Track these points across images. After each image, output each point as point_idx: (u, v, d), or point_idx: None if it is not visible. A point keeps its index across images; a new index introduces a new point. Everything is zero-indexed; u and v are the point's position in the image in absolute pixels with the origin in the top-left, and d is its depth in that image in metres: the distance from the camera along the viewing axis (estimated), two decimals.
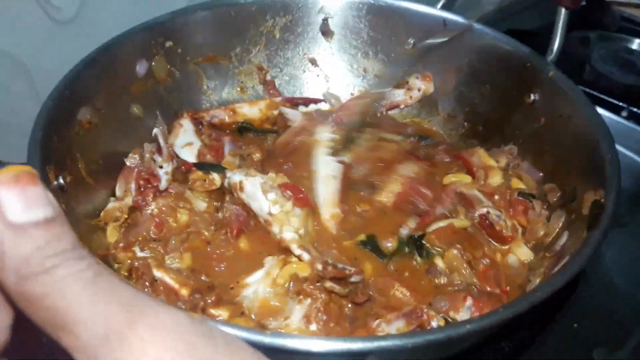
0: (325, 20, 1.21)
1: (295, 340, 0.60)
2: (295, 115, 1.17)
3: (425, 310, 0.77)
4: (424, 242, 0.91)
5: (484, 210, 0.95)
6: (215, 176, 0.99)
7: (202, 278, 0.85)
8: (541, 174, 0.99)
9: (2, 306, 0.37)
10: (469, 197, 0.99)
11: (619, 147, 1.28)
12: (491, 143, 1.11)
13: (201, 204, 0.98)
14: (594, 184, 0.82)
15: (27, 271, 0.33)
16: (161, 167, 0.98)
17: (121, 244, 0.89)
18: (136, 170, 0.99)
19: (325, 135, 1.09)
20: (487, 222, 0.95)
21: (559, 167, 0.97)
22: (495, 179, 1.02)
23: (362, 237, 0.93)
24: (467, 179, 1.03)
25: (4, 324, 0.38)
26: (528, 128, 1.04)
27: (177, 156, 1.04)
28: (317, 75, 1.26)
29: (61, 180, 0.86)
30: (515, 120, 1.08)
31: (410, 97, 1.22)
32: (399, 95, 1.22)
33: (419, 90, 1.21)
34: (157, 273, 0.82)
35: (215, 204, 0.99)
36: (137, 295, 0.36)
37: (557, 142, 0.98)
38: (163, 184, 0.97)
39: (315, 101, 1.25)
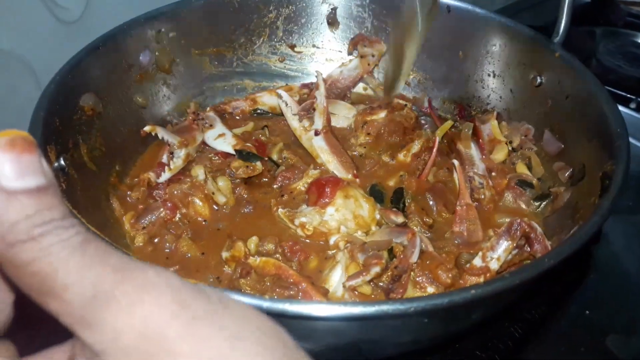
0: (333, 10, 1.22)
1: (294, 305, 0.58)
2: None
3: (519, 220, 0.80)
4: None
5: (470, 174, 0.97)
6: (258, 163, 1.01)
7: None
8: (562, 145, 0.97)
9: (1, 285, 0.37)
10: (463, 156, 1.01)
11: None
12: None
13: (221, 198, 0.97)
14: (603, 158, 0.81)
15: (14, 238, 0.33)
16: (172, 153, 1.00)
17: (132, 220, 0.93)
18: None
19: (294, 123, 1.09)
20: (469, 186, 0.96)
21: (567, 146, 0.96)
22: (499, 155, 1.01)
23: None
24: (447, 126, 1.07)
25: (4, 303, 0.37)
26: (536, 111, 1.03)
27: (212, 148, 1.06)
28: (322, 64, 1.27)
29: (62, 162, 0.86)
30: (522, 104, 1.06)
31: (368, 64, 1.21)
32: (355, 67, 1.22)
33: (372, 55, 1.21)
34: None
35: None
36: (126, 259, 0.35)
37: (564, 122, 0.97)
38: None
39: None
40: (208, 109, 1.15)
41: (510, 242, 0.78)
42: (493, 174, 1.00)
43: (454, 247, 0.87)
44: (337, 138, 1.05)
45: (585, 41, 1.61)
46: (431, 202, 0.96)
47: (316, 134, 1.04)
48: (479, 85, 1.14)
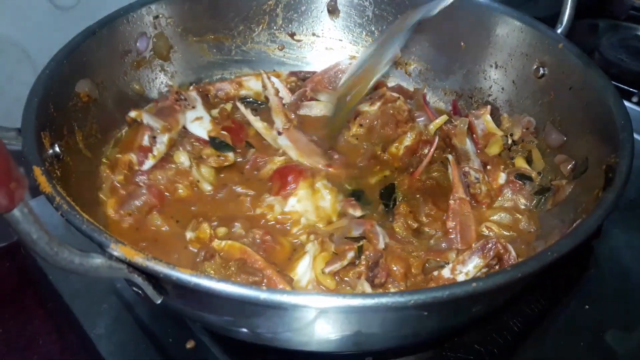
0: None
1: (291, 296, 0.57)
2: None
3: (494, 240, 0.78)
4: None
5: (466, 168, 0.96)
6: (230, 155, 0.98)
7: None
8: (564, 138, 0.96)
9: None
10: (459, 151, 0.99)
11: None
12: (498, 122, 1.08)
13: (206, 186, 0.96)
14: (606, 151, 0.79)
15: None
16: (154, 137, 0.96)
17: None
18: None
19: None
20: (465, 181, 0.95)
21: (570, 138, 0.94)
22: (494, 148, 1.00)
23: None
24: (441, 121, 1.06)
25: None
26: (538, 102, 1.02)
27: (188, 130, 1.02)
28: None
29: (57, 149, 0.84)
30: (524, 95, 1.05)
31: None
32: None
33: None
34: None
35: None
36: None
37: (567, 114, 0.95)
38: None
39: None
40: (191, 88, 1.11)
41: (481, 260, 0.78)
42: (488, 167, 0.98)
43: (423, 252, 0.85)
44: (304, 131, 1.04)
45: (588, 34, 1.59)
46: (421, 200, 0.94)
47: (279, 133, 1.02)
48: (480, 76, 1.13)
